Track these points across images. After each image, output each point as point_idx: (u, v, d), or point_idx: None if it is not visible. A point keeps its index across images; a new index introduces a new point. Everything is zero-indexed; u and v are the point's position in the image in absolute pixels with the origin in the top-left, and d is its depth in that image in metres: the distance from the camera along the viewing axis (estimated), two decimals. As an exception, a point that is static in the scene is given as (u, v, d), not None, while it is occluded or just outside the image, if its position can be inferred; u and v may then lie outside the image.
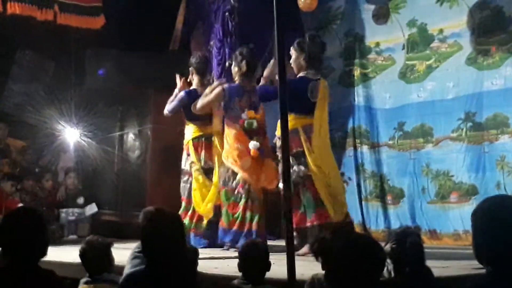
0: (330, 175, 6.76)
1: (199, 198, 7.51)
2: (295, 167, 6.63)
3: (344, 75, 9.06)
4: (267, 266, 4.07)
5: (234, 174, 7.16)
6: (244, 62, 7.27)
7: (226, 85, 7.36)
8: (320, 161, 6.73)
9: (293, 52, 6.89)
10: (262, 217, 7.08)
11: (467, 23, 7.91)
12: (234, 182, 7.16)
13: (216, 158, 7.50)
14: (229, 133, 7.22)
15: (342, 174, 8.23)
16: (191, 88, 7.80)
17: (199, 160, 7.59)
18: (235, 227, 7.09)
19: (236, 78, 7.41)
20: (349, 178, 8.73)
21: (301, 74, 6.86)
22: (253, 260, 4.06)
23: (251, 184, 7.08)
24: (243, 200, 7.08)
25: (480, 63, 7.80)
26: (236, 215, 7.11)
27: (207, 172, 7.57)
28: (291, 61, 6.87)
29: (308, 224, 6.54)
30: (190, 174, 7.62)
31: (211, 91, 7.32)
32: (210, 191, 7.45)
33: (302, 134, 6.76)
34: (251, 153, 7.06)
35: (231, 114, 7.25)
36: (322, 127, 6.85)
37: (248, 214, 7.06)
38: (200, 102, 7.36)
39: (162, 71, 9.26)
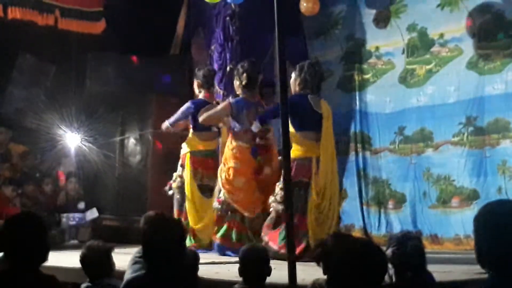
0: (331, 199, 6.81)
1: (194, 215, 7.48)
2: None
3: (345, 80, 9.06)
4: (268, 271, 4.07)
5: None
6: (244, 75, 7.28)
7: (232, 100, 7.37)
8: (324, 188, 6.78)
9: (293, 73, 6.98)
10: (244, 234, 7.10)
11: (467, 27, 7.91)
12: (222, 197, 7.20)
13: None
14: (230, 148, 7.23)
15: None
16: (199, 98, 7.76)
17: (195, 176, 7.55)
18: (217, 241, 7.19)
19: (239, 92, 7.41)
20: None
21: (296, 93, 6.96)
22: (254, 265, 4.06)
23: (236, 207, 7.10)
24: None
25: (481, 68, 7.80)
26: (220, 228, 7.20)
27: (204, 189, 7.55)
28: (291, 81, 6.93)
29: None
30: (180, 187, 7.60)
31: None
32: (208, 215, 7.42)
33: (314, 166, 6.80)
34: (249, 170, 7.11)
35: (239, 129, 7.24)
36: (328, 150, 6.88)
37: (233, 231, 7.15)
38: (205, 114, 7.36)
39: (163, 75, 9.28)
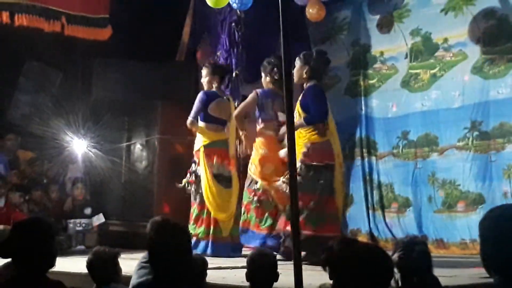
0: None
1: (215, 206, 7.49)
2: (321, 181, 6.71)
3: (351, 85, 9.08)
4: (275, 276, 4.07)
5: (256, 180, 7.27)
6: (275, 69, 7.30)
7: (259, 90, 7.42)
8: (342, 177, 6.93)
9: (297, 62, 6.97)
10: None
11: (472, 32, 7.92)
12: (255, 187, 7.22)
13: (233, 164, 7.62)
14: (259, 138, 7.34)
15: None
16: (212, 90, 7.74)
17: (211, 166, 7.55)
18: (253, 228, 7.23)
19: (268, 87, 7.43)
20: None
21: (310, 83, 6.91)
22: (261, 270, 4.06)
23: (270, 194, 7.14)
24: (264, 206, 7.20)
25: (486, 72, 7.81)
26: (249, 216, 7.24)
27: (220, 179, 7.56)
28: (294, 70, 6.92)
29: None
30: (195, 182, 7.61)
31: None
32: (231, 200, 7.47)
33: (336, 148, 6.93)
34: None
35: (264, 118, 7.31)
36: (334, 132, 7.07)
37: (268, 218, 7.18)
38: (238, 108, 7.47)
39: (169, 81, 9.30)
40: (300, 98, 6.92)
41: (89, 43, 9.15)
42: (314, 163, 6.75)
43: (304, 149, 6.77)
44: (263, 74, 7.46)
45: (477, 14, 7.91)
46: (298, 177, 6.58)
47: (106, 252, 4.62)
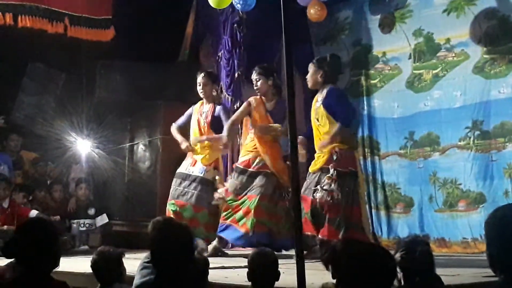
0: None
1: None
2: (347, 189, 6.73)
3: (352, 85, 9.08)
4: (276, 275, 4.09)
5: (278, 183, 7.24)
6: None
7: (251, 98, 7.44)
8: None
9: (311, 67, 7.02)
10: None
11: (473, 32, 7.93)
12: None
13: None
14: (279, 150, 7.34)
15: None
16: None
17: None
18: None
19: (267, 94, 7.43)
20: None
21: (328, 87, 6.95)
22: (262, 269, 4.08)
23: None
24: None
25: (487, 72, 7.82)
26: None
27: None
28: (308, 75, 6.99)
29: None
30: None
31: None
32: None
33: (358, 156, 7.11)
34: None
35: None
36: None
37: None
38: (229, 120, 7.40)
39: (171, 82, 9.32)
40: (322, 102, 6.89)
41: (92, 44, 9.18)
42: (340, 169, 6.74)
43: (333, 155, 6.75)
44: (263, 79, 7.43)
45: (478, 14, 7.92)
46: (333, 184, 6.65)
47: (111, 252, 4.64)
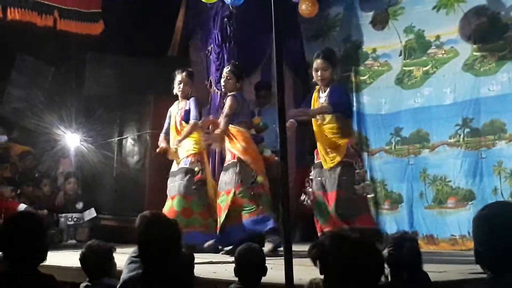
0: None
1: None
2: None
3: (342, 82, 9.07)
4: (263, 271, 4.09)
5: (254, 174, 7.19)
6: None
7: (236, 93, 7.40)
8: None
9: (323, 63, 6.59)
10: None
11: (463, 29, 7.95)
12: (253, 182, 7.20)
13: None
14: (244, 136, 7.28)
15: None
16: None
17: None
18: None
19: (235, 88, 7.40)
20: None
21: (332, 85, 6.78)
22: (249, 265, 4.07)
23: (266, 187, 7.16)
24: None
25: (477, 69, 7.85)
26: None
27: None
28: (324, 73, 6.59)
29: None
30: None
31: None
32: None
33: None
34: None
35: (243, 119, 7.29)
36: None
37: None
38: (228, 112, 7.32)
39: (161, 76, 9.29)
40: (327, 97, 6.63)
41: (81, 37, 9.15)
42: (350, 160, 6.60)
43: (349, 149, 6.60)
44: (234, 78, 7.36)
45: (468, 12, 7.95)
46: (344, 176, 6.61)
47: (100, 247, 4.62)
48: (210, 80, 9.14)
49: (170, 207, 7.43)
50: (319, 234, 6.53)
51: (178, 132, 7.65)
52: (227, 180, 7.17)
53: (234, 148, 7.20)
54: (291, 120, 6.57)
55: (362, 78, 8.91)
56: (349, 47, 9.09)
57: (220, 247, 7.23)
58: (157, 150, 7.77)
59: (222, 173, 7.33)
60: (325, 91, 6.67)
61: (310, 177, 6.76)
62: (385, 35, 8.75)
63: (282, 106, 3.94)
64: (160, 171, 8.54)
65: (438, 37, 8.23)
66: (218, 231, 7.17)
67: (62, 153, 9.68)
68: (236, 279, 4.11)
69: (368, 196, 6.72)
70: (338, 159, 6.56)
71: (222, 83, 7.43)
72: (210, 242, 7.26)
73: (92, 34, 9.12)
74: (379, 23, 8.83)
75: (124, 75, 9.43)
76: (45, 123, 9.35)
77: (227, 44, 8.88)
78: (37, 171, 9.47)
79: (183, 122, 7.61)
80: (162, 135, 7.87)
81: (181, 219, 7.06)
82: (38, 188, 9.10)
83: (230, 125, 7.20)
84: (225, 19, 8.85)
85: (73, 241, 8.72)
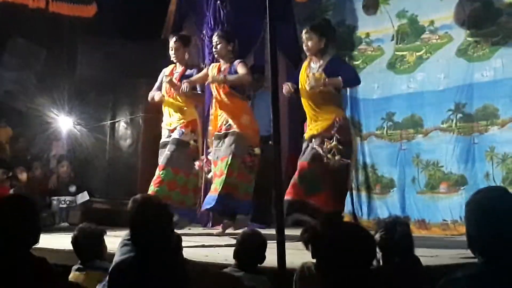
0: None
1: None
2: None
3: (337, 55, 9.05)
4: (263, 258, 4.12)
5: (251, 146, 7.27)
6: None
7: (212, 64, 7.48)
8: None
9: (311, 35, 6.63)
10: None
11: (457, 15, 7.93)
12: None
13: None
14: (243, 105, 7.36)
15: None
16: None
17: None
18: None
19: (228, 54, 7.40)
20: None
21: (331, 55, 6.80)
22: (253, 250, 4.11)
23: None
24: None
25: (471, 55, 7.84)
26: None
27: None
28: (311, 43, 6.64)
29: None
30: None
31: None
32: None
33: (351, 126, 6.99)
34: None
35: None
36: None
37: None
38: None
39: (154, 60, 9.26)
40: (323, 69, 6.60)
41: (74, 20, 9.11)
42: (341, 138, 6.55)
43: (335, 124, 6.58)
44: (223, 42, 7.34)
45: (462, -3, 7.93)
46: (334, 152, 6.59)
47: (92, 229, 4.64)
48: (206, 64, 9.10)
49: (157, 176, 7.45)
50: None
51: (170, 96, 7.63)
52: (224, 148, 7.22)
53: (236, 120, 7.24)
54: (288, 84, 6.69)
55: (355, 63, 8.89)
56: (343, 31, 9.05)
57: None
58: (156, 98, 7.70)
59: (216, 140, 7.32)
60: (318, 61, 6.67)
61: None
62: (378, 19, 8.72)
63: (276, 89, 3.94)
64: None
65: (432, 22, 8.21)
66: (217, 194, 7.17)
67: (54, 136, 9.66)
68: (229, 262, 4.12)
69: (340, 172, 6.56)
70: (316, 131, 6.57)
71: (214, 50, 7.42)
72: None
73: (85, 16, 9.08)
74: (371, 7, 8.80)
75: (117, 58, 9.41)
76: (37, 105, 9.33)
77: (220, 27, 8.84)
78: (28, 153, 9.46)
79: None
80: (151, 94, 7.82)
81: (163, 189, 7.27)
82: (30, 171, 9.08)
83: (238, 95, 7.26)
84: (218, 2, 8.81)
85: (65, 224, 8.72)
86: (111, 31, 9.39)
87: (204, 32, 9.07)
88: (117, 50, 9.49)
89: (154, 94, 7.73)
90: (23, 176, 8.94)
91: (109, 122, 9.55)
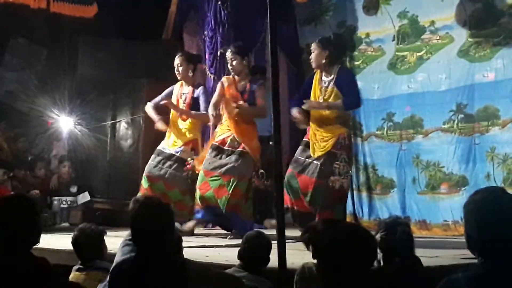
0: None
1: None
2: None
3: (345, 67, 9.05)
4: (267, 259, 4.13)
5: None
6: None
7: (224, 78, 7.44)
8: None
9: (315, 48, 6.81)
10: None
11: (459, 15, 7.93)
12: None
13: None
14: (253, 129, 7.38)
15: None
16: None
17: None
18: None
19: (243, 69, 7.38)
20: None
21: (338, 67, 6.85)
22: (260, 252, 4.11)
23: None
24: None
25: (472, 56, 7.84)
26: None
27: None
28: (313, 56, 6.80)
29: None
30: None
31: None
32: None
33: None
34: None
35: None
36: None
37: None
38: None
39: (155, 60, 9.27)
40: (334, 82, 6.74)
41: (75, 20, 9.11)
42: (346, 155, 6.70)
43: (340, 140, 6.68)
44: (238, 58, 7.29)
45: (464, -2, 7.93)
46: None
47: (92, 230, 4.64)
48: (206, 64, 9.12)
49: (147, 187, 7.44)
50: (289, 205, 6.69)
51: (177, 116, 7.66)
52: (227, 164, 7.19)
53: (244, 141, 7.22)
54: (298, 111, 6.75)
55: (356, 63, 8.89)
56: (344, 32, 9.04)
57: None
58: (159, 126, 7.72)
59: (214, 151, 7.30)
60: (328, 75, 6.73)
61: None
62: (378, 20, 8.72)
63: (277, 90, 3.94)
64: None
65: (432, 23, 8.21)
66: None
67: (55, 136, 9.67)
68: (230, 263, 4.12)
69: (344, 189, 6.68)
70: (325, 150, 6.62)
71: (230, 67, 7.36)
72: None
73: (86, 16, 9.08)
74: (372, 8, 8.80)
75: (118, 58, 9.40)
76: (38, 105, 9.33)
77: (221, 28, 8.85)
78: (30, 154, 9.46)
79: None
80: (150, 105, 7.84)
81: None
82: (31, 171, 9.08)
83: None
84: (219, 3, 8.81)
85: (66, 224, 8.72)
86: (112, 31, 9.39)
87: (206, 32, 9.08)
88: (118, 50, 9.48)
89: (153, 115, 7.78)
90: (27, 176, 8.95)
91: (110, 122, 9.54)
